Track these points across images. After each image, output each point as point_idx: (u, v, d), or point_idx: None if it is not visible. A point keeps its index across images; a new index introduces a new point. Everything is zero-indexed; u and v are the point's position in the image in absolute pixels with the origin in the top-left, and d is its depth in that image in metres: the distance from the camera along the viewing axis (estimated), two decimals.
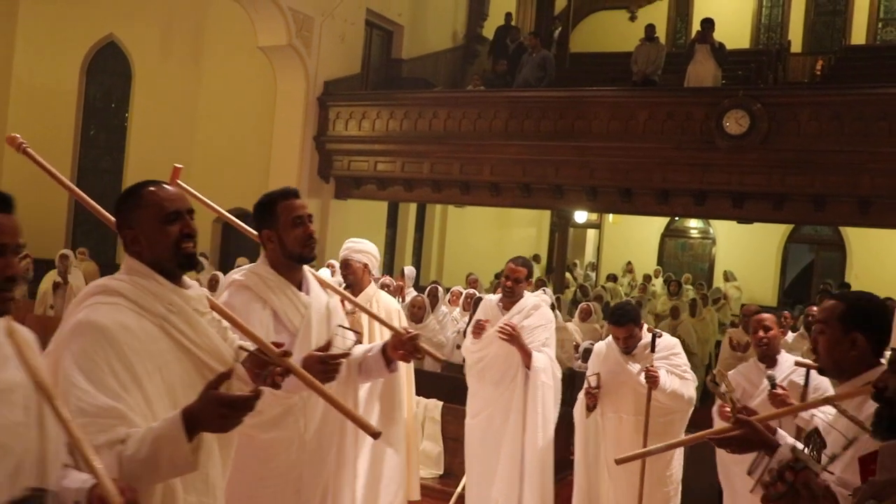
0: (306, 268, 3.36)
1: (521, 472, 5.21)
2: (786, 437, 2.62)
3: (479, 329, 5.32)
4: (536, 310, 5.35)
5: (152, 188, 2.49)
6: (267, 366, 2.56)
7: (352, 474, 3.49)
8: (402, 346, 3.31)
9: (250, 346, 2.66)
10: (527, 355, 5.17)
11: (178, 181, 3.34)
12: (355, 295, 5.05)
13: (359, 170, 14.40)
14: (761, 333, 4.54)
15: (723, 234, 19.31)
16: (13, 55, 15.79)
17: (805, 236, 18.85)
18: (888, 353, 2.69)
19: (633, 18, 20.64)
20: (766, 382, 4.32)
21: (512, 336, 5.08)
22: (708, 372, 11.30)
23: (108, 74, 16.63)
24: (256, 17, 13.72)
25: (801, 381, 4.33)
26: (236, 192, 15.41)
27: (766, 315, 4.65)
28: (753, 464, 2.42)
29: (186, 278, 2.53)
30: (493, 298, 5.67)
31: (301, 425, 3.17)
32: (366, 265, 5.11)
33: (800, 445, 2.51)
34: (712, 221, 19.03)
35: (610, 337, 5.08)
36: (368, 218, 15.29)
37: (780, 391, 4.21)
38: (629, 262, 19.23)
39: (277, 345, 2.59)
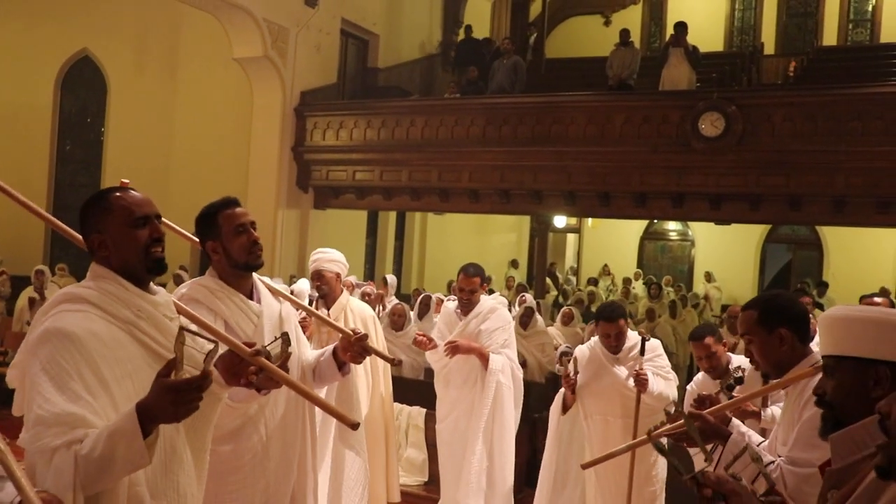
0: (257, 277, 3.34)
1: (488, 471, 5.30)
2: (739, 426, 2.77)
3: (421, 344, 5.35)
4: (493, 313, 5.44)
5: (119, 193, 2.47)
6: (241, 366, 2.53)
7: (313, 481, 3.43)
8: (350, 348, 3.28)
9: (193, 326, 2.59)
10: (483, 358, 5.26)
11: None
12: (329, 304, 5.07)
13: (337, 179, 14.37)
14: (705, 364, 4.46)
15: (701, 235, 19.40)
16: None
17: (782, 236, 18.98)
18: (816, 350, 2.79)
19: (607, 23, 20.72)
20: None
21: (455, 351, 5.19)
22: (689, 373, 11.33)
23: (82, 89, 16.53)
24: (231, 28, 13.67)
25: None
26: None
27: (703, 343, 4.54)
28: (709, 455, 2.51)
29: (153, 285, 2.50)
30: (451, 306, 5.74)
31: (262, 434, 3.14)
32: (338, 274, 5.15)
33: (756, 438, 2.64)
34: (691, 223, 19.12)
35: (593, 339, 5.11)
36: (348, 227, 15.26)
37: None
38: (605, 265, 19.29)
39: (249, 345, 2.57)
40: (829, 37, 19.15)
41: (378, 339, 5.25)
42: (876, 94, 11.04)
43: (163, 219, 2.66)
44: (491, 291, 10.63)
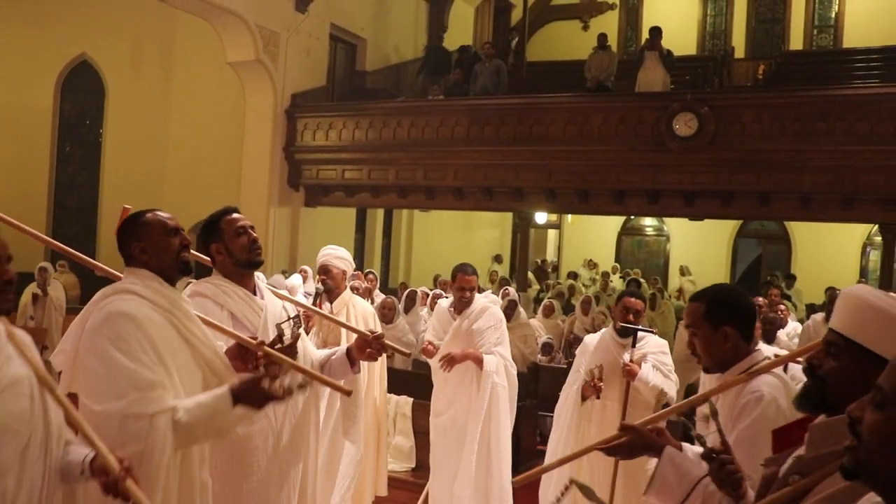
0: (259, 278, 3.54)
1: (485, 468, 5.24)
2: (670, 440, 2.57)
3: (428, 352, 5.37)
4: (485, 312, 5.37)
5: (151, 212, 2.88)
6: (249, 355, 2.94)
7: (314, 466, 3.53)
8: (368, 346, 3.43)
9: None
10: (478, 361, 5.21)
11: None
12: (333, 298, 5.08)
13: (327, 178, 14.37)
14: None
15: (676, 231, 19.47)
16: None
17: (753, 231, 19.07)
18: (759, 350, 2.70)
19: (585, 28, 20.75)
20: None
21: (452, 362, 5.18)
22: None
23: (81, 92, 16.46)
24: (224, 33, 13.65)
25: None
26: (209, 204, 15.25)
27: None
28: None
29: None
30: (444, 304, 5.69)
31: (272, 419, 3.25)
32: (344, 271, 5.14)
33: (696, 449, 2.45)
34: (666, 219, 19.19)
35: (604, 329, 5.08)
36: (338, 224, 15.26)
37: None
38: (590, 259, 19.32)
39: (253, 338, 2.98)
40: (796, 42, 19.25)
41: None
42: (839, 96, 11.13)
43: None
44: (480, 290, 10.65)
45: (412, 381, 7.60)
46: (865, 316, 1.85)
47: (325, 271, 5.14)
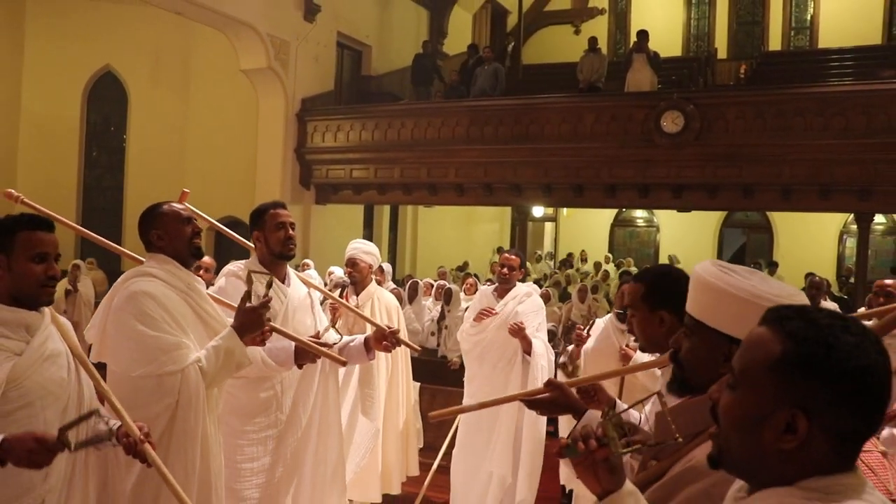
0: (291, 270, 3.72)
1: (517, 447, 5.13)
2: (604, 400, 2.48)
3: (481, 317, 5.25)
4: (529, 297, 5.29)
5: (166, 203, 3.10)
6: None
7: (335, 440, 3.66)
8: (384, 339, 3.65)
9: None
10: (528, 343, 5.09)
11: (185, 202, 3.66)
12: (358, 291, 5.07)
13: (336, 177, 14.37)
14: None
15: (665, 222, 19.44)
16: (21, 87, 15.82)
17: (737, 221, 19.02)
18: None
19: (577, 32, 20.68)
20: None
21: (519, 330, 5.03)
22: None
23: (106, 101, 16.53)
24: (238, 43, 13.65)
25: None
26: (226, 203, 15.37)
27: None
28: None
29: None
30: (487, 288, 5.58)
31: (278, 390, 3.49)
32: (370, 265, 5.12)
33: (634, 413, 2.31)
34: (655, 211, 19.14)
35: (609, 315, 5.02)
36: (346, 220, 15.25)
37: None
38: (583, 251, 19.28)
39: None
40: (774, 42, 19.18)
41: (401, 326, 5.18)
42: (816, 94, 11.09)
43: (215, 222, 4.13)
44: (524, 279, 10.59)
45: (419, 367, 7.60)
46: (706, 295, 1.73)
47: (352, 264, 5.14)
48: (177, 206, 3.11)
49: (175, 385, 2.74)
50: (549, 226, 21.76)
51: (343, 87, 15.87)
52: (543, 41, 21.09)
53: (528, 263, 16.30)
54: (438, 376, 8.09)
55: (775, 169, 11.00)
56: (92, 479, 2.57)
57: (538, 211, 17.21)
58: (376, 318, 4.98)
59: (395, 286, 9.85)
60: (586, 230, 20.24)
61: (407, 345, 3.85)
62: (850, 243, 16.70)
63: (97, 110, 16.52)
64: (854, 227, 13.10)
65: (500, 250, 19.41)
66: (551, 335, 9.68)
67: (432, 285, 10.59)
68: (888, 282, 4.54)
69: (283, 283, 3.59)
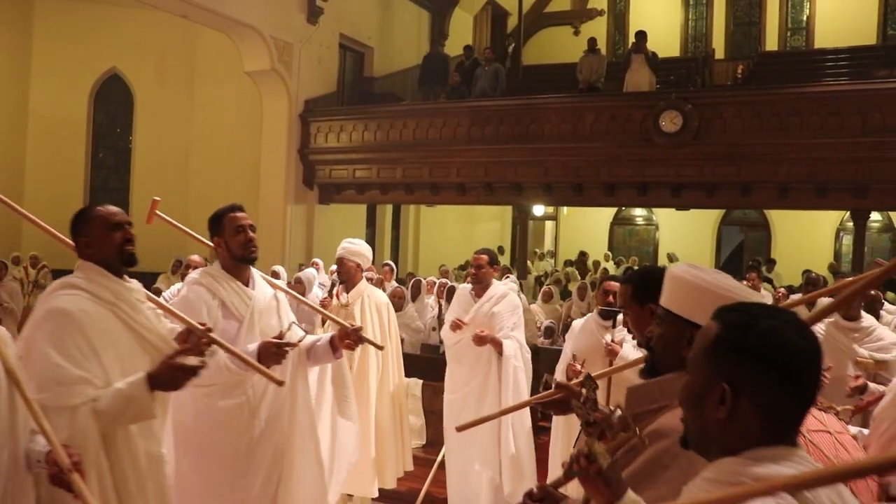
0: (254, 270, 3.61)
1: (499, 443, 5.12)
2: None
3: (455, 327, 5.25)
4: (504, 297, 5.28)
5: (99, 207, 2.87)
6: (194, 339, 2.93)
7: (310, 440, 3.59)
8: (347, 337, 3.57)
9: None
10: (498, 345, 5.10)
11: (157, 211, 3.73)
12: (349, 289, 5.07)
13: (339, 177, 14.36)
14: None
15: (664, 220, 19.41)
16: (29, 89, 15.87)
17: (735, 219, 19.00)
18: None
19: (576, 33, 20.66)
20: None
21: (483, 340, 5.04)
22: None
23: (112, 103, 16.55)
24: (242, 45, 13.65)
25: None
26: (230, 202, 15.38)
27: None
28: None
29: (126, 276, 2.90)
30: (466, 287, 5.60)
31: (250, 395, 3.38)
32: (358, 264, 5.11)
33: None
34: (654, 210, 19.13)
35: (590, 314, 5.02)
36: (349, 220, 15.25)
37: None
38: (582, 252, 19.24)
39: (201, 324, 2.98)
40: (771, 43, 19.16)
41: (390, 323, 5.18)
42: (812, 93, 11.07)
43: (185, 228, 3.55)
44: (506, 273, 10.60)
45: (421, 364, 7.59)
46: (680, 289, 1.97)
47: (339, 263, 5.15)
48: (108, 210, 2.86)
49: (63, 422, 2.47)
50: (549, 224, 21.75)
51: (345, 89, 15.85)
52: (543, 42, 21.08)
53: (528, 262, 16.33)
54: (441, 373, 8.06)
55: (772, 167, 10.97)
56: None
57: (539, 210, 17.18)
58: (366, 314, 5.03)
59: (397, 285, 9.83)
60: (586, 229, 20.22)
61: (370, 342, 3.78)
62: (847, 240, 16.66)
63: (103, 112, 16.53)
64: (850, 224, 13.06)
65: (500, 249, 19.42)
66: (550, 332, 9.70)
67: (434, 283, 10.59)
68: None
69: (246, 285, 3.49)
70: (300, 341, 3.54)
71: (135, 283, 2.92)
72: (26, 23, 15.72)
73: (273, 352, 3.26)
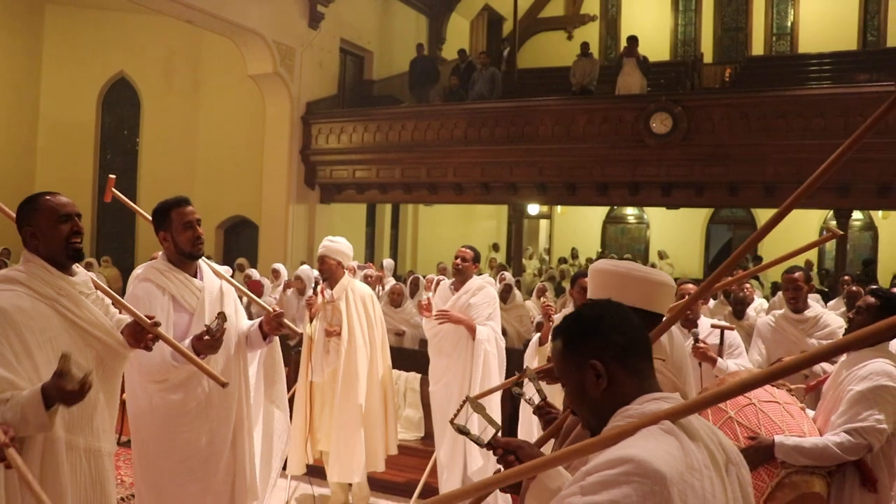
0: (202, 260, 3.45)
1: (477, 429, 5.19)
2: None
3: (423, 308, 5.36)
4: (481, 290, 5.35)
5: (48, 196, 2.66)
6: (142, 333, 2.75)
7: (248, 430, 3.57)
8: (269, 322, 3.51)
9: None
10: (471, 329, 5.18)
11: (113, 189, 3.58)
12: (332, 285, 5.12)
13: (339, 177, 14.37)
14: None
15: (655, 219, 19.42)
16: (39, 93, 15.88)
17: (723, 218, 19.03)
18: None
19: (570, 38, 20.66)
20: (690, 340, 4.35)
21: (446, 318, 5.14)
22: None
23: (120, 106, 16.54)
24: (245, 49, 13.65)
25: (717, 341, 4.42)
26: (234, 202, 15.40)
27: (689, 286, 4.68)
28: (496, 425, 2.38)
29: (74, 267, 2.71)
30: (447, 282, 5.67)
31: (204, 386, 3.28)
32: (339, 262, 5.15)
33: None
34: (645, 208, 19.14)
35: (565, 310, 5.07)
36: (350, 219, 15.26)
37: (701, 345, 4.29)
38: (574, 249, 19.27)
39: (149, 317, 2.78)
40: (757, 47, 19.18)
41: (375, 313, 5.23)
42: (797, 96, 11.11)
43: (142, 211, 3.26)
44: (500, 270, 10.65)
45: (419, 359, 7.58)
46: (602, 279, 2.17)
47: (320, 261, 5.21)
48: (57, 200, 2.66)
49: None
50: (543, 223, 21.76)
51: (346, 91, 15.86)
52: (538, 46, 21.07)
53: (522, 260, 16.34)
54: None
55: (759, 168, 11.01)
56: None
57: (533, 209, 17.18)
58: (352, 308, 5.09)
59: (396, 282, 9.84)
60: (579, 227, 20.24)
61: (289, 328, 3.70)
62: None
63: (111, 114, 16.52)
64: (833, 222, 13.10)
65: (496, 247, 19.46)
66: (541, 327, 9.70)
67: (433, 280, 10.59)
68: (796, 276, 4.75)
69: (195, 277, 3.36)
70: (224, 328, 3.17)
71: (81, 275, 2.75)
72: (37, 29, 15.73)
73: (207, 343, 3.05)
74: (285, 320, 3.60)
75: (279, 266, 10.89)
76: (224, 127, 15.65)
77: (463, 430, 2.05)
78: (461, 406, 2.31)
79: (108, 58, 15.92)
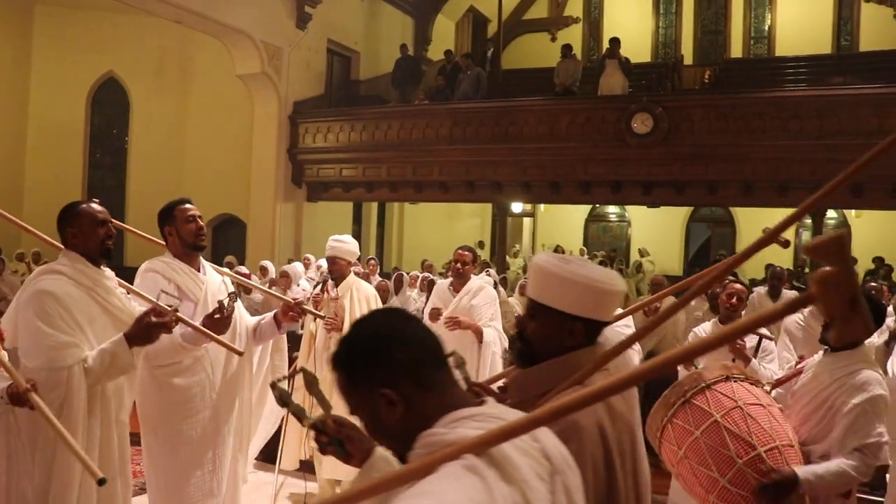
0: (202, 259, 3.69)
1: None
2: None
3: (434, 316, 5.30)
4: (481, 290, 5.34)
5: (88, 204, 3.11)
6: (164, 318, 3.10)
7: (248, 412, 3.76)
8: (291, 310, 3.67)
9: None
10: (477, 333, 5.16)
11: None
12: (338, 283, 5.12)
13: (326, 176, 14.35)
14: (735, 301, 4.41)
15: (636, 217, 19.48)
16: (29, 93, 15.79)
17: (703, 216, 19.12)
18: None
19: (553, 39, 20.70)
20: None
21: (457, 325, 5.11)
22: None
23: (109, 106, 16.45)
24: (234, 49, 13.60)
25: (753, 344, 4.30)
26: (223, 201, 15.34)
27: (739, 287, 4.52)
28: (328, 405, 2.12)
29: (103, 267, 3.14)
30: (444, 283, 5.63)
31: (209, 371, 3.50)
32: (349, 262, 5.17)
33: None
34: (627, 207, 19.20)
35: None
36: (337, 217, 15.23)
37: (739, 342, 4.16)
38: (557, 246, 19.32)
39: (168, 305, 3.16)
40: (736, 50, 19.30)
41: None
42: (774, 98, 11.20)
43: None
44: (485, 268, 10.69)
45: None
46: (542, 279, 1.87)
47: (332, 261, 5.19)
48: (94, 207, 3.10)
49: (62, 379, 2.81)
50: (527, 221, 21.79)
51: (333, 91, 15.83)
52: (522, 48, 21.10)
53: (506, 257, 16.38)
54: None
55: (737, 167, 11.09)
56: None
57: (517, 207, 17.24)
58: (355, 305, 5.10)
59: (381, 278, 9.86)
60: (562, 225, 20.29)
61: (312, 313, 3.92)
62: (806, 236, 16.81)
63: (101, 114, 16.43)
64: (809, 221, 13.22)
65: (480, 244, 19.46)
66: None
67: (418, 277, 10.61)
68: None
69: (198, 271, 3.58)
70: (233, 308, 3.42)
71: (109, 272, 3.15)
72: (26, 30, 15.62)
73: (217, 321, 3.26)
74: (305, 306, 3.80)
75: (267, 263, 10.88)
76: (212, 126, 15.60)
77: (285, 400, 1.82)
78: (292, 374, 2.14)
79: (97, 58, 15.82)
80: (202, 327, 3.20)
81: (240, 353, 3.34)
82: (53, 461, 2.83)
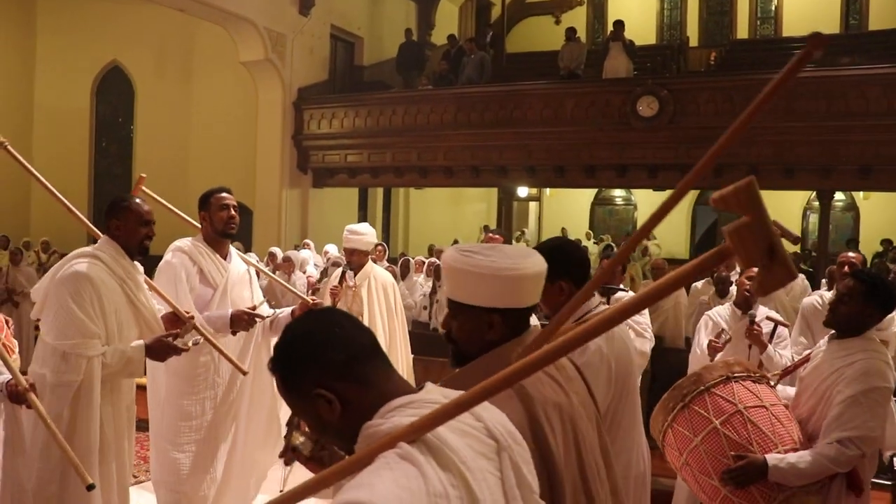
0: (233, 248, 3.92)
1: None
2: None
3: None
4: None
5: (138, 201, 3.28)
6: (178, 321, 3.37)
7: (270, 398, 3.89)
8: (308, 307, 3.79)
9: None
10: None
11: (143, 187, 3.86)
12: (356, 272, 5.09)
13: (332, 162, 14.32)
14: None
15: (642, 200, 19.42)
16: (34, 82, 15.84)
17: (709, 199, 19.02)
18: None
19: (557, 22, 20.57)
20: (745, 320, 4.16)
21: None
22: None
23: (114, 94, 16.47)
24: (237, 37, 13.57)
25: (769, 330, 4.22)
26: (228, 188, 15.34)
27: (853, 255, 4.51)
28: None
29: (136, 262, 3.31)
30: None
31: (215, 354, 3.63)
32: (366, 251, 5.14)
33: None
34: (633, 190, 19.14)
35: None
36: (342, 203, 15.22)
37: (756, 328, 4.10)
38: (563, 229, 19.27)
39: (186, 312, 3.40)
40: (742, 31, 19.14)
41: (396, 301, 5.18)
42: None
43: (173, 207, 3.90)
44: None
45: (412, 340, 7.56)
46: (451, 277, 1.82)
47: (350, 254, 5.13)
48: (143, 207, 3.25)
49: (81, 366, 2.95)
50: (532, 205, 21.74)
51: (337, 77, 15.77)
52: (526, 31, 20.98)
53: (512, 241, 16.35)
54: (432, 349, 8.09)
55: (743, 150, 11.00)
56: None
57: (522, 191, 17.19)
58: (373, 295, 5.05)
59: (388, 264, 9.84)
60: (568, 209, 20.23)
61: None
62: (813, 219, 16.74)
63: (106, 103, 16.45)
64: (816, 203, 13.14)
65: (486, 228, 19.41)
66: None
67: (423, 262, 10.60)
68: (851, 255, 4.59)
69: (224, 259, 3.77)
70: (268, 318, 3.83)
71: (138, 267, 3.31)
72: (30, 19, 15.61)
73: (245, 319, 3.63)
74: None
75: (276, 249, 10.89)
76: (217, 113, 15.58)
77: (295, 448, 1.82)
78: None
79: (101, 46, 15.81)
80: (213, 339, 3.43)
81: (244, 373, 3.57)
82: (50, 446, 2.90)
